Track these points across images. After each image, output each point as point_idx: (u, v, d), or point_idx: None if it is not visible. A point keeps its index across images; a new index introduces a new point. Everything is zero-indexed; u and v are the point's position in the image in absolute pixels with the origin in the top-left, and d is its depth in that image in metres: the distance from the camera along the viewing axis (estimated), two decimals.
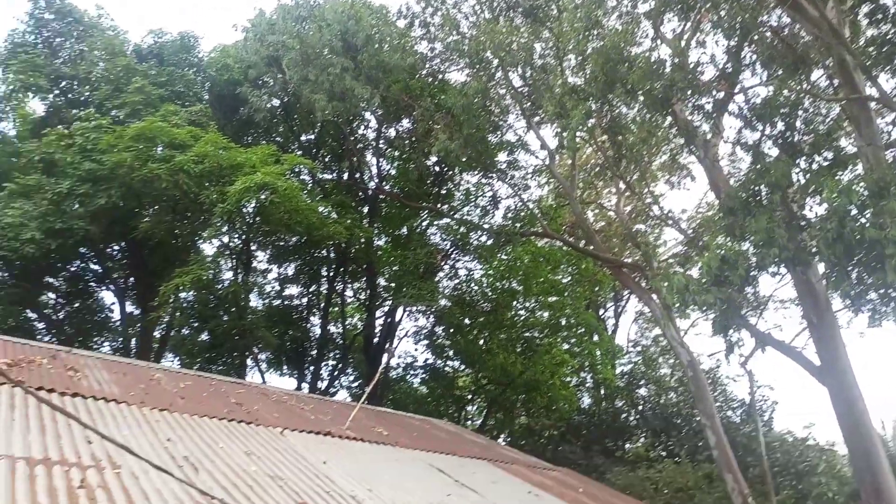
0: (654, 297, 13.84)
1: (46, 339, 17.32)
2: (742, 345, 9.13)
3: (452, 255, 20.49)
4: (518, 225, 18.78)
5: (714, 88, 10.52)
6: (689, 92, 10.28)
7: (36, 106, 18.81)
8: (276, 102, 19.05)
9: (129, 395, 6.67)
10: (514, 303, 20.17)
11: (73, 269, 18.41)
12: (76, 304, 19.13)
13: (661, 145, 15.54)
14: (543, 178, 19.37)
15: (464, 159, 16.29)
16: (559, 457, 16.96)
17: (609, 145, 15.09)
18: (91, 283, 19.10)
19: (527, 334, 20.21)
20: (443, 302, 19.80)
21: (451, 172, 19.78)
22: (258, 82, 17.76)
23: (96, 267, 18.85)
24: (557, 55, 14.36)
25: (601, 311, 24.47)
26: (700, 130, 11.76)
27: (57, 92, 18.00)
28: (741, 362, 12.44)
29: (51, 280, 18.04)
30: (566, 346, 20.32)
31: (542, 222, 18.04)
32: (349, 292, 22.67)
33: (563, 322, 19.65)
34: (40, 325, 18.26)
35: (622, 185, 17.07)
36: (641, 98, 11.33)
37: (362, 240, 18.58)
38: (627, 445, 20.05)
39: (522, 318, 20.31)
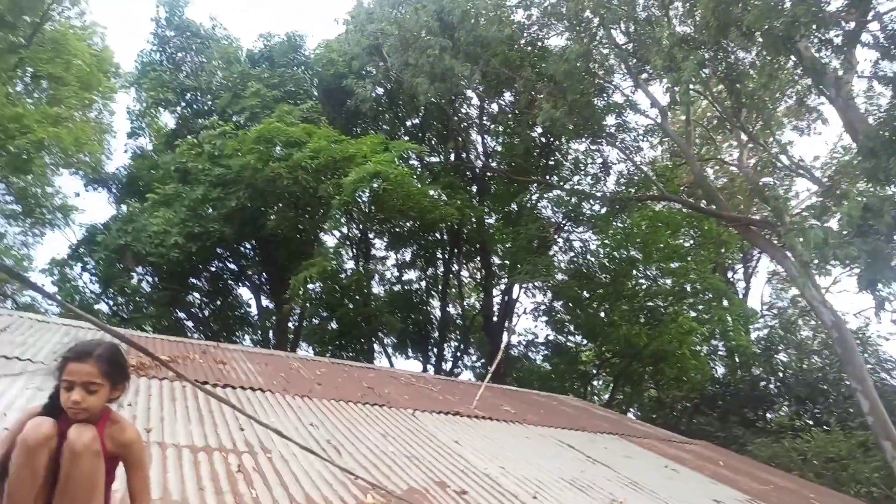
0: (789, 254, 12.86)
1: (195, 336, 18.93)
2: (893, 300, 8.31)
3: (565, 228, 20.14)
4: (632, 190, 18.09)
5: (843, 19, 9.51)
6: (814, 26, 9.35)
7: (167, 119, 20.42)
8: (380, 91, 19.45)
9: (273, 383, 7.13)
10: (634, 272, 19.50)
11: (212, 269, 19.92)
12: (218, 302, 20.69)
13: (786, 89, 14.34)
14: (656, 137, 18.50)
15: (570, 127, 15.84)
16: (694, 429, 16.32)
17: (726, 95, 14.11)
18: (229, 281, 20.59)
19: (650, 304, 19.50)
20: (559, 276, 19.54)
21: (557, 142, 19.37)
22: (362, 73, 18.18)
23: (233, 266, 20.29)
24: (663, 4, 13.55)
25: (729, 275, 23.14)
26: (830, 67, 10.70)
27: (183, 104, 19.37)
28: (894, 318, 11.34)
29: (194, 281, 19.62)
30: (693, 314, 19.42)
31: (658, 185, 17.24)
32: (465, 273, 22.93)
33: (689, 288, 18.76)
34: (189, 324, 19.95)
35: (744, 137, 15.95)
36: (760, 40, 10.47)
37: (473, 219, 18.67)
38: (769, 415, 18.92)
39: (644, 287, 19.61)
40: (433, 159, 21.26)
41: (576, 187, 19.40)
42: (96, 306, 18.70)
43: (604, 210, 18.42)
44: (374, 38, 16.74)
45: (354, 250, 19.17)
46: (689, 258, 18.61)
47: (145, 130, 21.14)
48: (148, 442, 4.51)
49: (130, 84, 20.54)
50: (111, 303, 18.88)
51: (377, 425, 6.41)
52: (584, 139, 18.06)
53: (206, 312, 20.71)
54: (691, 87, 12.80)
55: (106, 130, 22.20)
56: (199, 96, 19.50)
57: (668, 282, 19.17)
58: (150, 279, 19.13)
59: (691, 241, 19.58)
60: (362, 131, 18.86)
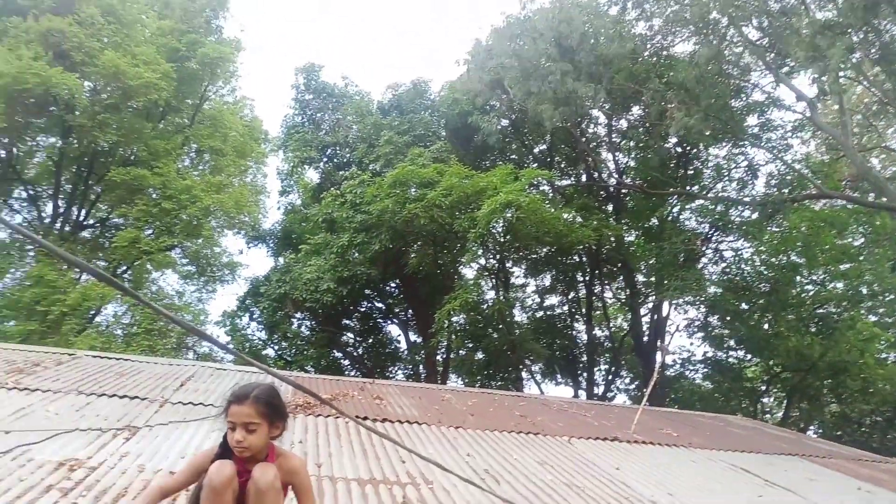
0: None
1: (352, 373, 19.94)
2: None
3: (713, 238, 19.03)
4: (786, 191, 16.78)
5: None
6: None
7: (312, 175, 22.02)
8: (505, 123, 19.74)
9: (427, 416, 7.34)
10: (798, 278, 17.91)
11: (362, 309, 20.99)
12: (370, 340, 21.70)
13: None
14: (807, 132, 17.11)
15: (707, 133, 15.12)
16: (890, 446, 14.52)
17: (885, 77, 12.80)
18: (379, 320, 21.57)
19: (820, 311, 17.79)
20: (711, 289, 18.43)
21: (694, 150, 18.51)
22: (486, 108, 18.58)
23: (380, 304, 21.25)
24: None
25: None
26: None
27: (325, 159, 20.81)
28: None
29: (347, 322, 20.77)
30: (873, 318, 17.45)
31: (815, 182, 15.86)
32: (608, 294, 22.30)
33: (865, 291, 16.91)
34: (346, 362, 21.06)
35: None
36: None
37: (612, 239, 18.21)
38: None
39: (811, 293, 17.95)
40: (564, 182, 21.10)
41: (720, 194, 18.35)
42: (264, 352, 20.31)
43: (755, 215, 17.21)
44: (495, 72, 17.08)
45: (494, 280, 19.35)
46: (861, 258, 16.82)
47: (294, 187, 22.94)
48: (319, 476, 4.81)
49: (278, 147, 22.47)
50: (276, 347, 20.43)
51: (533, 453, 6.37)
52: (724, 144, 17.11)
53: (360, 350, 21.78)
54: (841, 74, 11.78)
55: (260, 192, 24.35)
56: (338, 150, 20.88)
57: (840, 285, 17.40)
58: (308, 323, 20.54)
59: (862, 239, 17.71)
60: (491, 164, 19.19)
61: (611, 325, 22.15)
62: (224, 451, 2.58)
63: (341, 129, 20.53)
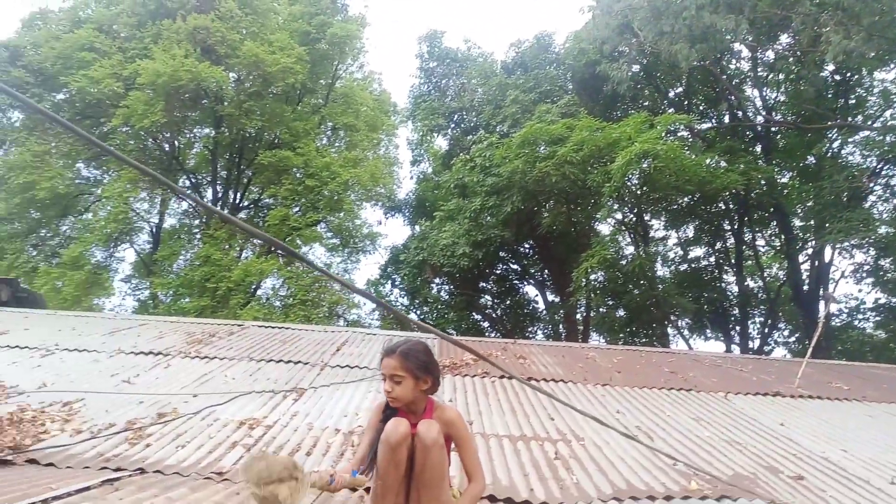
0: None
1: (492, 334, 20.26)
2: None
3: (882, 173, 17.02)
4: None
5: None
6: None
7: (441, 142, 22.31)
8: (635, 69, 18.72)
9: (572, 374, 7.31)
10: None
11: (498, 271, 21.17)
12: (507, 302, 21.89)
13: None
14: None
15: (871, 55, 13.39)
16: None
17: None
18: (515, 281, 21.67)
19: None
20: (882, 229, 16.55)
21: (856, 77, 16.54)
22: (614, 55, 17.71)
23: (516, 266, 21.31)
24: None
25: None
26: None
27: (453, 126, 20.99)
28: None
29: (484, 284, 21.06)
30: None
31: None
32: (760, 241, 20.78)
33: None
34: (485, 324, 21.43)
35: None
36: None
37: (762, 182, 16.84)
38: None
39: None
40: (704, 126, 19.74)
41: (889, 123, 16.31)
42: (409, 315, 21.19)
43: None
44: (623, 16, 16.19)
45: (632, 235, 18.69)
46: None
47: (424, 156, 23.43)
48: (472, 433, 4.97)
49: (407, 118, 22.99)
50: (418, 312, 21.20)
51: (687, 410, 6.15)
52: (891, 66, 15.13)
53: (499, 312, 22.05)
54: None
55: (393, 163, 25.13)
56: (464, 115, 20.96)
57: None
58: (447, 287, 21.09)
59: None
60: (623, 114, 18.38)
61: (765, 274, 20.66)
62: (389, 406, 2.77)
63: (466, 94, 20.55)
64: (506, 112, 18.08)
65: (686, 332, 20.40)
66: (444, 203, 18.33)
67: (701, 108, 20.01)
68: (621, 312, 19.67)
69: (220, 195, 21.27)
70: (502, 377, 6.98)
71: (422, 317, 21.20)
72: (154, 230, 21.28)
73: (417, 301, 20.67)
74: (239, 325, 9.43)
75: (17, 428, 4.36)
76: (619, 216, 18.02)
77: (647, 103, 19.58)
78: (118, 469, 3.76)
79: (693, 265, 20.53)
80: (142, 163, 18.28)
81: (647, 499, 3.77)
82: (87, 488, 3.17)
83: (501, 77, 19.84)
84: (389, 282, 21.09)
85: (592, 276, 16.94)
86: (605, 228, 18.65)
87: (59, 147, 19.31)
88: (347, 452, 4.17)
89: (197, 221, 21.89)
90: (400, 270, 19.86)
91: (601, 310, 20.76)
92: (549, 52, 20.30)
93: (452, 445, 2.83)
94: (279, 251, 20.16)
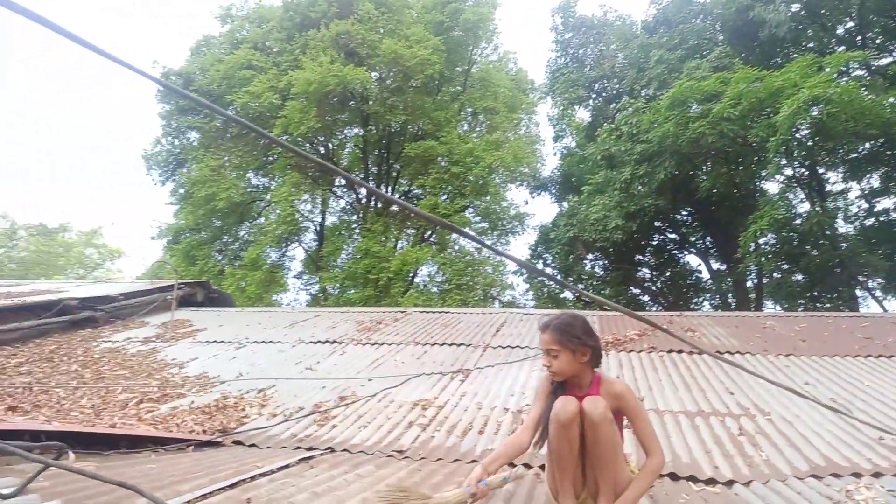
0: None
1: (653, 308, 19.47)
2: None
3: None
4: None
5: None
6: None
7: (583, 115, 21.72)
8: (795, 7, 16.93)
9: (749, 345, 6.82)
10: None
11: (654, 242, 20.24)
12: (667, 273, 20.88)
13: None
14: None
15: None
16: None
17: None
18: (674, 252, 20.60)
19: None
20: None
21: None
22: None
23: (674, 235, 20.25)
24: None
25: None
26: None
27: (594, 96, 20.33)
28: None
29: (640, 257, 20.25)
30: None
31: None
32: None
33: None
34: (645, 298, 20.63)
35: None
36: None
37: None
38: None
39: None
40: (884, 61, 17.39)
41: None
42: (561, 295, 20.94)
43: None
44: None
45: (805, 191, 16.99)
46: None
47: (566, 130, 22.91)
48: (642, 406, 4.81)
49: (545, 94, 22.59)
50: (573, 290, 20.88)
51: (889, 379, 5.50)
52: None
53: (658, 285, 21.11)
54: None
55: (535, 141, 24.86)
56: (605, 83, 20.21)
57: None
58: (600, 263, 20.55)
59: None
60: (784, 59, 16.68)
61: None
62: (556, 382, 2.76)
63: (606, 61, 19.78)
64: (650, 74, 17.16)
65: (879, 294, 18.23)
66: (591, 176, 17.80)
67: (878, 41, 17.62)
68: (799, 277, 17.99)
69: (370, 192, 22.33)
70: (670, 351, 6.69)
71: (576, 294, 20.85)
72: (318, 228, 22.86)
73: (571, 279, 20.34)
74: (402, 312, 9.86)
75: (223, 413, 4.90)
76: (788, 172, 16.45)
77: (811, 44, 17.62)
78: (311, 448, 4.09)
79: (882, 218, 18.24)
80: (302, 166, 19.69)
81: (852, 476, 3.43)
82: (287, 466, 3.49)
83: (643, 38, 18.83)
84: (540, 261, 20.91)
85: (762, 240, 15.66)
86: (772, 187, 17.13)
87: (231, 160, 21.33)
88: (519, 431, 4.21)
89: (355, 217, 23.17)
90: (550, 249, 19.63)
91: (775, 275, 19.12)
92: (693, 5, 18.92)
93: (626, 421, 2.75)
94: (440, 230, 20.78)
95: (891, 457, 3.71)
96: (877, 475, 3.44)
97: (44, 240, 30.29)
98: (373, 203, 22.21)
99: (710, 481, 3.46)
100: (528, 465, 3.67)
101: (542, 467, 3.43)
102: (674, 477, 3.55)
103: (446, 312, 9.80)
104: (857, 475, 3.44)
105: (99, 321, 8.94)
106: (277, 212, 20.88)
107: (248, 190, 22.35)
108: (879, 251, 16.54)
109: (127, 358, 7.00)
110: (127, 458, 3.45)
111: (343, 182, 22.65)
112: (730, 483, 3.43)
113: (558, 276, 20.95)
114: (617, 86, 19.74)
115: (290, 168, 20.68)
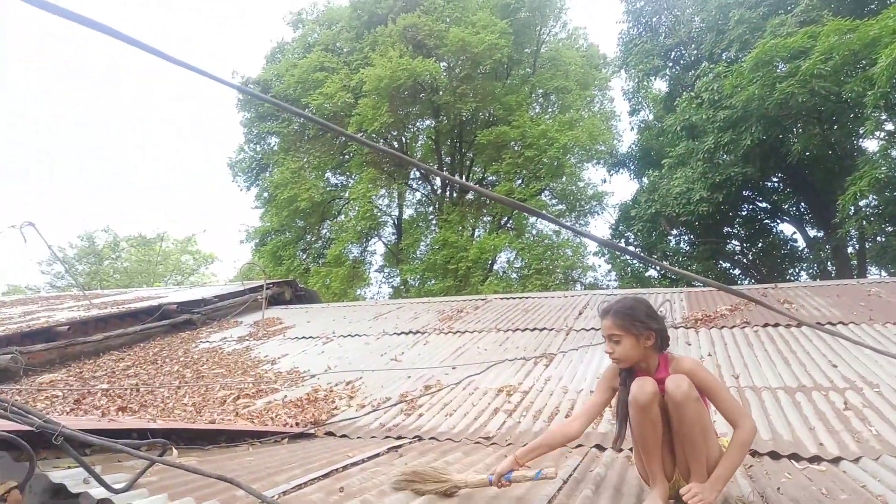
0: None
1: (746, 282, 18.60)
2: None
3: None
4: None
5: None
6: None
7: (659, 85, 20.93)
8: None
9: (853, 314, 6.40)
10: None
11: (743, 213, 19.30)
12: (759, 244, 19.87)
13: None
14: None
15: None
16: None
17: None
18: (765, 221, 19.56)
19: None
20: None
21: None
22: None
23: (764, 204, 19.23)
24: None
25: None
26: None
27: (670, 65, 19.54)
28: None
29: (729, 229, 19.36)
30: None
31: None
32: None
33: None
34: (735, 272, 19.74)
35: None
36: None
37: None
38: None
39: None
40: None
41: None
42: (646, 274, 20.34)
43: None
44: None
45: None
46: None
47: (643, 103, 22.15)
48: (739, 387, 4.61)
49: (619, 67, 21.89)
50: (657, 268, 20.23)
51: None
52: None
53: (750, 257, 20.13)
54: None
55: (610, 117, 24.18)
56: (682, 51, 19.36)
57: None
58: (686, 238, 19.81)
59: None
60: (880, 5, 15.42)
61: None
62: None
63: (682, 27, 18.94)
64: (731, 36, 16.28)
65: None
66: (672, 148, 17.11)
67: None
68: None
69: (447, 181, 22.43)
70: (766, 325, 6.37)
71: (662, 272, 20.20)
72: (396, 222, 23.21)
73: (655, 256, 19.69)
74: (482, 300, 9.88)
75: (314, 406, 5.08)
76: (888, 127, 15.23)
77: None
78: (399, 437, 4.17)
79: None
80: (377, 162, 20.04)
81: None
82: (377, 455, 3.57)
83: None
84: (622, 240, 20.33)
85: (863, 202, 14.62)
86: (871, 145, 15.92)
87: (310, 161, 21.98)
88: (606, 413, 4.12)
89: (431, 209, 23.37)
90: (632, 227, 19.05)
91: (879, 239, 17.82)
92: None
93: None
94: (516, 216, 20.69)
95: None
96: None
97: (143, 250, 32.32)
98: (448, 193, 22.30)
99: (815, 459, 3.27)
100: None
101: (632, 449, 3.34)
102: (774, 455, 3.39)
103: (527, 298, 9.74)
104: None
105: (196, 323, 9.46)
106: (356, 208, 21.35)
107: (328, 189, 22.95)
108: None
109: (223, 357, 7.37)
110: (226, 452, 3.64)
111: (418, 175, 22.86)
112: (836, 460, 3.23)
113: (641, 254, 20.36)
114: (695, 52, 18.86)
115: (366, 165, 21.08)
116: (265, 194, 23.16)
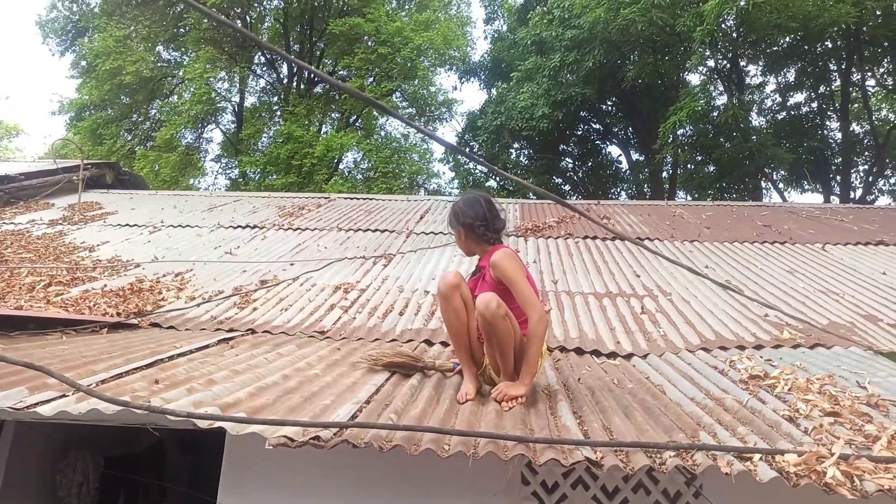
0: None
1: (574, 197, 20.00)
2: None
3: None
4: None
5: None
6: None
7: None
8: None
9: (658, 231, 7.19)
10: None
11: (579, 133, 20.46)
12: (589, 163, 21.32)
13: None
14: None
15: None
16: None
17: None
18: (597, 142, 20.93)
19: None
20: None
21: None
22: None
23: (598, 126, 20.49)
24: None
25: None
26: None
27: None
28: None
29: (564, 147, 20.49)
30: None
31: None
32: (870, 82, 18.84)
33: None
34: (566, 188, 21.11)
35: None
36: None
37: (878, 12, 14.97)
38: None
39: None
40: None
41: None
42: (486, 183, 21.10)
43: None
44: None
45: (725, 83, 17.37)
46: None
47: (498, 12, 22.14)
48: (556, 291, 5.07)
49: None
50: (497, 178, 21.05)
51: (780, 263, 5.99)
52: None
53: (580, 174, 21.58)
54: None
55: (466, 23, 23.97)
56: None
57: None
58: (525, 152, 20.70)
59: None
60: None
61: (873, 118, 18.92)
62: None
63: None
64: None
65: (781, 185, 19.37)
66: (521, 63, 17.46)
67: None
68: (711, 168, 18.79)
69: (294, 69, 21.20)
70: (585, 238, 6.97)
71: (501, 183, 21.04)
72: (236, 110, 21.71)
73: (498, 167, 20.46)
74: (326, 198, 9.74)
75: (139, 296, 4.82)
76: (710, 63, 16.69)
77: None
78: (231, 330, 4.12)
79: (793, 112, 19.03)
80: (218, 40, 18.32)
81: (737, 348, 3.79)
82: (207, 346, 3.51)
83: None
84: (467, 149, 20.79)
85: (680, 131, 16.10)
86: (694, 79, 17.42)
87: (138, 31, 19.55)
88: (438, 312, 4.35)
89: (276, 99, 22.09)
90: (478, 137, 19.48)
91: (689, 166, 19.90)
92: None
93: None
94: (366, 114, 20.23)
95: (772, 331, 4.10)
96: (758, 347, 3.82)
97: None
98: (295, 84, 21.17)
99: (612, 355, 3.74)
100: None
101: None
102: (579, 352, 3.82)
103: (371, 199, 9.76)
104: (742, 347, 3.81)
105: None
106: (191, 90, 19.56)
107: (159, 65, 20.75)
108: (786, 144, 17.40)
109: (32, 241, 6.68)
110: (35, 339, 3.38)
111: (263, 60, 21.34)
112: (629, 356, 3.72)
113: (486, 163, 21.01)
114: None
115: (204, 42, 19.20)
116: (83, 62, 20.44)
